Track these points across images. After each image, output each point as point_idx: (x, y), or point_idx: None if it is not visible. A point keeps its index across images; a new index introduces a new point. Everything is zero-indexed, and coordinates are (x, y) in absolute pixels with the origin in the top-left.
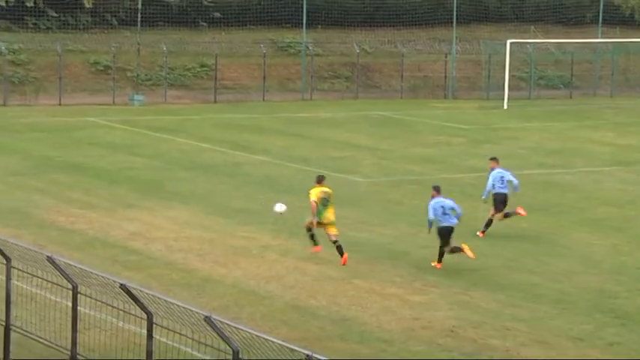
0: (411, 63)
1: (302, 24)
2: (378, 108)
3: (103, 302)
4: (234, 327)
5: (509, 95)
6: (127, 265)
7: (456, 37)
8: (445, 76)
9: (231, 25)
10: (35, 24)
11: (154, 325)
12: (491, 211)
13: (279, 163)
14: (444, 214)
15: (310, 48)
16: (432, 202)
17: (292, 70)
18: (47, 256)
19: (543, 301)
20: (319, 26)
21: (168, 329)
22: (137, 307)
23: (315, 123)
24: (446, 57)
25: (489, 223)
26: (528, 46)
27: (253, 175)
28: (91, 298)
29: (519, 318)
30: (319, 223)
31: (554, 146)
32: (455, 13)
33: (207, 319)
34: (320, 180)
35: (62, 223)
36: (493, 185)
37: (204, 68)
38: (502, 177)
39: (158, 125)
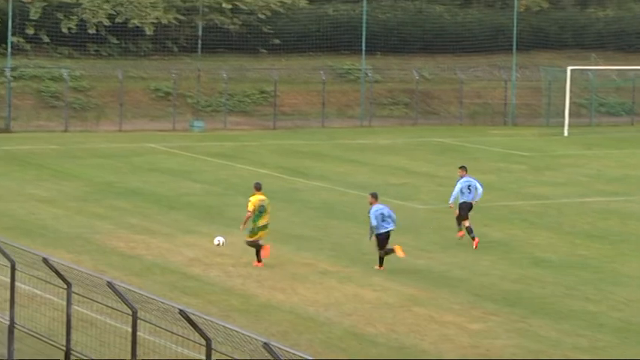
0: (471, 90)
1: (361, 50)
2: (436, 135)
3: (162, 328)
4: (293, 353)
5: (569, 122)
6: (185, 290)
7: (516, 64)
8: (505, 103)
9: (291, 52)
10: (97, 51)
11: (213, 351)
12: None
13: (338, 190)
14: (383, 220)
15: (369, 74)
16: (373, 210)
17: (351, 96)
18: (107, 282)
19: (604, 330)
20: (378, 53)
21: (227, 355)
22: (196, 333)
23: (373, 149)
24: (505, 84)
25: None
26: (589, 72)
27: (311, 202)
28: (150, 323)
29: (580, 347)
30: (253, 232)
31: (615, 174)
32: (515, 39)
33: (266, 346)
34: (258, 187)
35: (122, 248)
36: (461, 192)
37: (264, 95)
38: (469, 185)
39: (217, 151)
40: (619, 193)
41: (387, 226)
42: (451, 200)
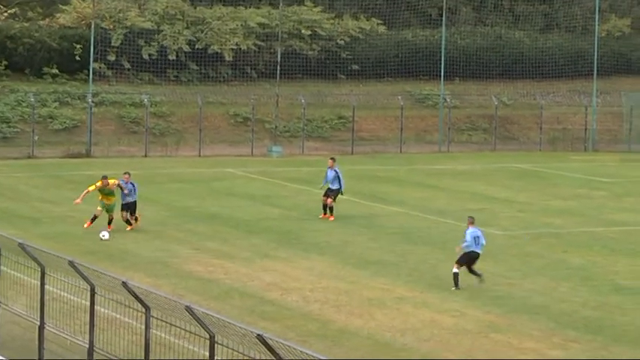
0: (550, 115)
1: (440, 76)
2: (515, 160)
3: (239, 352)
4: None
5: None
6: (263, 315)
7: (597, 89)
8: (585, 129)
9: (369, 77)
10: (177, 77)
11: None
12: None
13: (416, 215)
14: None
15: (448, 100)
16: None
17: (429, 121)
18: (186, 306)
19: None
20: (457, 78)
21: None
22: (274, 358)
23: (451, 175)
24: (586, 109)
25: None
26: None
27: (389, 227)
28: (227, 347)
29: None
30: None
31: None
32: (595, 65)
33: None
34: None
35: (200, 272)
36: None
37: (342, 120)
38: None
39: (295, 176)
40: None
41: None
42: (463, 245)
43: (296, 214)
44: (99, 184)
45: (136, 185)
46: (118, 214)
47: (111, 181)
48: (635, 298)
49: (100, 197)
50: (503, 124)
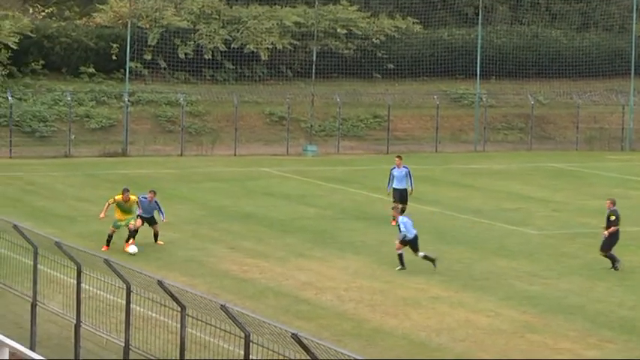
0: (587, 114)
1: (475, 75)
2: (552, 160)
3: (274, 351)
4: None
5: None
6: (298, 314)
7: (634, 89)
8: (622, 128)
9: (405, 77)
10: (212, 76)
11: None
12: None
13: (451, 214)
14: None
15: (484, 99)
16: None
17: (465, 121)
18: (221, 305)
19: None
20: (493, 77)
21: None
22: (309, 357)
23: (487, 174)
24: (623, 108)
25: None
26: None
27: (424, 226)
28: (263, 347)
29: None
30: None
31: None
32: (633, 63)
33: None
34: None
35: (235, 272)
36: None
37: (377, 119)
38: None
39: (330, 176)
40: None
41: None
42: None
43: (331, 214)
44: (119, 197)
45: (160, 204)
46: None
47: (132, 197)
48: None
49: (117, 214)
50: (540, 124)
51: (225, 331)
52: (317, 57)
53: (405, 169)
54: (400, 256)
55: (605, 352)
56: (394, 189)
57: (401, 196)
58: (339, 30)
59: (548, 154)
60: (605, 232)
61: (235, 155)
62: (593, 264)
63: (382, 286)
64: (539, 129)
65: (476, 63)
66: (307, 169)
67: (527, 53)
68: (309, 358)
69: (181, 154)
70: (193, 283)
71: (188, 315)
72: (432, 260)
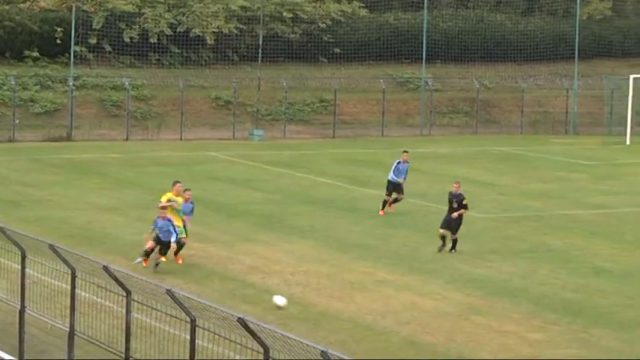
0: (532, 98)
1: (421, 59)
2: (497, 143)
3: (220, 336)
4: None
5: (632, 131)
6: (244, 298)
7: (578, 73)
8: (566, 112)
9: (351, 61)
10: (158, 60)
11: None
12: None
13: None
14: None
15: (429, 83)
16: None
17: (411, 105)
18: (166, 290)
19: None
20: (439, 61)
21: None
22: (254, 341)
23: (433, 158)
24: (567, 92)
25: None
26: None
27: (371, 210)
28: (208, 331)
29: None
30: None
31: None
32: (577, 48)
33: (324, 354)
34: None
35: (181, 256)
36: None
37: (324, 103)
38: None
39: (277, 160)
40: None
41: None
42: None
43: (278, 198)
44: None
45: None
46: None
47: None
48: (615, 281)
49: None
50: (485, 108)
51: (171, 315)
52: (263, 41)
53: (408, 164)
54: None
55: (549, 334)
56: (390, 181)
57: (395, 188)
58: (285, 14)
59: (494, 137)
60: (455, 214)
61: (181, 139)
62: (537, 247)
63: (328, 269)
64: (484, 113)
65: (422, 47)
66: (254, 154)
67: (472, 37)
68: (255, 342)
69: (127, 139)
70: (138, 268)
71: (134, 300)
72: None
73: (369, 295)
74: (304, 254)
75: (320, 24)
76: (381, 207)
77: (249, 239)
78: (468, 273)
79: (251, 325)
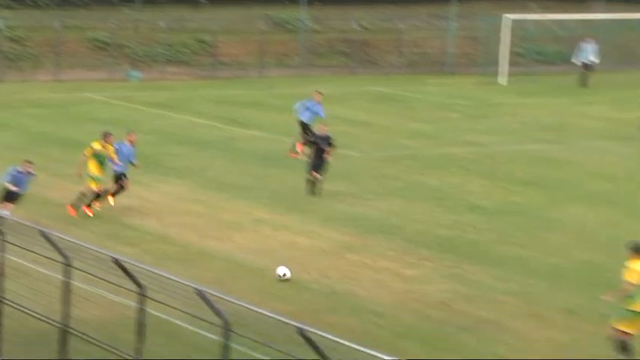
0: (410, 39)
1: (300, 0)
2: (375, 84)
3: (96, 276)
4: (226, 300)
5: (507, 71)
6: (122, 240)
7: (455, 14)
8: (443, 52)
9: (230, 2)
10: (34, 1)
11: (146, 299)
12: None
13: (275, 139)
14: None
15: (308, 24)
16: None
17: (290, 46)
18: (40, 231)
19: (536, 275)
20: (317, 2)
21: (161, 302)
22: (130, 281)
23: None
24: (444, 33)
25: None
26: (527, 21)
27: (249, 151)
28: (84, 272)
29: (511, 291)
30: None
31: (551, 121)
32: None
33: (199, 293)
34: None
35: (57, 198)
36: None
37: (203, 45)
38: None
39: (154, 101)
40: (553, 140)
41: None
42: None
43: (155, 139)
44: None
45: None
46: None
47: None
48: (488, 217)
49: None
50: (363, 49)
51: (45, 257)
52: None
53: (321, 105)
54: None
55: (423, 270)
56: (302, 122)
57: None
58: None
59: (372, 78)
60: (327, 155)
61: (58, 81)
62: (413, 185)
63: (205, 210)
64: (363, 54)
65: None
66: (131, 95)
67: None
68: (131, 281)
69: (2, 80)
70: (14, 210)
71: (7, 241)
72: None
73: (246, 234)
74: (181, 195)
75: None
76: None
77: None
78: (344, 212)
79: (127, 266)
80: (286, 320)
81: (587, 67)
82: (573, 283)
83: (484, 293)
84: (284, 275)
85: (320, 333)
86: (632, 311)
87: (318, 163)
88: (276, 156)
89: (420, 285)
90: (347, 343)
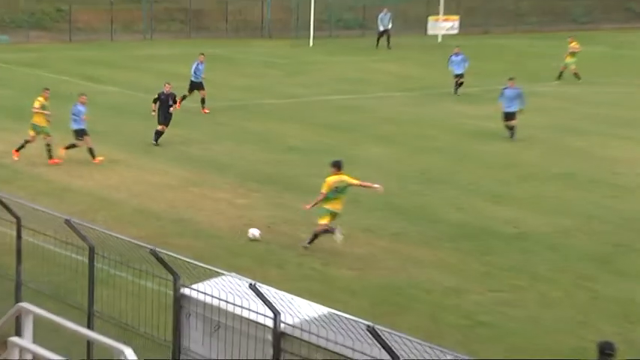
0: (234, 8)
1: None
2: (208, 46)
3: None
4: (90, 227)
5: (314, 35)
6: None
7: None
8: (262, 19)
9: None
10: None
11: (23, 228)
12: None
13: (126, 93)
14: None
15: None
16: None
17: (135, 14)
18: None
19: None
20: None
21: (35, 231)
22: (7, 213)
23: (156, 59)
24: (262, 3)
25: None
26: None
27: (104, 103)
28: None
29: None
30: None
31: (351, 76)
32: None
33: (67, 222)
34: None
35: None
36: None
37: (61, 12)
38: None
39: (22, 61)
40: (354, 91)
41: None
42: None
43: (25, 94)
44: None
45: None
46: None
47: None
48: (303, 156)
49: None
50: (197, 17)
51: None
52: None
53: (203, 64)
54: None
55: (252, 199)
56: (193, 81)
57: (197, 87)
58: None
59: (205, 41)
60: (172, 109)
61: None
62: (241, 131)
63: (70, 152)
64: (196, 21)
65: None
66: (2, 56)
67: None
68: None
69: None
70: None
71: None
72: None
73: (105, 172)
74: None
75: None
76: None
77: (4, 129)
78: (186, 153)
79: (4, 200)
80: (140, 243)
81: (384, 32)
82: (370, 206)
83: (301, 218)
84: (253, 236)
85: (171, 254)
86: (327, 209)
87: (167, 115)
88: (129, 108)
89: (250, 211)
90: (191, 260)
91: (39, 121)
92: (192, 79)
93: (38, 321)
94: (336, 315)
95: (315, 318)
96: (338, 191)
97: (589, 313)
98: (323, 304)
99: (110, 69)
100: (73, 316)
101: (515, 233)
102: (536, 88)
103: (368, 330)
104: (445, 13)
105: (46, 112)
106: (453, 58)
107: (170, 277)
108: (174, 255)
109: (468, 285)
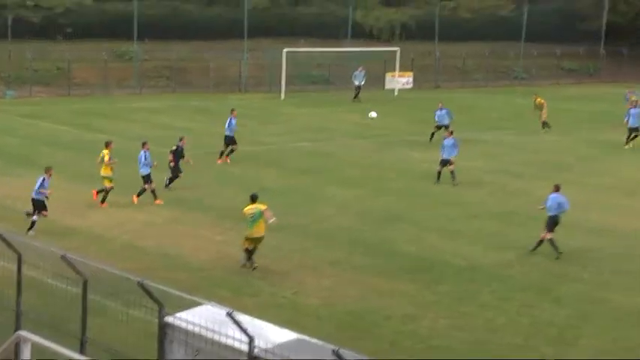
0: (215, 66)
1: (134, 37)
2: (191, 99)
3: None
4: (84, 262)
5: (285, 89)
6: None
7: (247, 48)
8: (240, 76)
9: (81, 38)
10: None
11: (24, 263)
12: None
13: (120, 141)
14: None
15: (140, 55)
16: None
17: (127, 72)
18: None
19: (310, 236)
20: (146, 39)
21: (36, 266)
22: (10, 249)
23: (145, 111)
24: (240, 62)
25: None
26: (298, 53)
27: (98, 150)
28: None
29: (294, 249)
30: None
31: (318, 125)
32: (245, 29)
33: (63, 257)
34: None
35: None
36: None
37: (61, 70)
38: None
39: (26, 113)
40: (321, 139)
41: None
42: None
43: (29, 142)
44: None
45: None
46: None
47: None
48: (275, 196)
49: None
50: (181, 73)
51: None
52: (12, 23)
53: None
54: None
55: (228, 236)
56: (227, 135)
57: (229, 141)
58: (28, 2)
59: (188, 95)
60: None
61: None
62: (222, 174)
63: (69, 195)
64: (181, 77)
65: (133, 28)
66: (8, 108)
67: (172, 20)
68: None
69: None
70: None
71: None
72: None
73: (99, 212)
74: (51, 184)
75: (56, 11)
76: (218, 156)
77: (8, 174)
78: (174, 195)
79: (6, 237)
80: (131, 276)
81: (358, 88)
82: (337, 242)
83: (274, 252)
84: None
85: (157, 285)
86: (247, 237)
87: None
88: (122, 154)
89: (227, 247)
90: (174, 291)
91: (107, 171)
92: (227, 133)
93: (35, 348)
94: (305, 340)
95: (285, 342)
96: (254, 218)
97: (530, 337)
98: (293, 330)
99: (104, 120)
100: (68, 343)
101: (464, 265)
102: (481, 136)
103: (334, 353)
104: (401, 70)
105: (113, 161)
106: (438, 112)
107: (156, 306)
108: (160, 286)
109: (422, 312)
